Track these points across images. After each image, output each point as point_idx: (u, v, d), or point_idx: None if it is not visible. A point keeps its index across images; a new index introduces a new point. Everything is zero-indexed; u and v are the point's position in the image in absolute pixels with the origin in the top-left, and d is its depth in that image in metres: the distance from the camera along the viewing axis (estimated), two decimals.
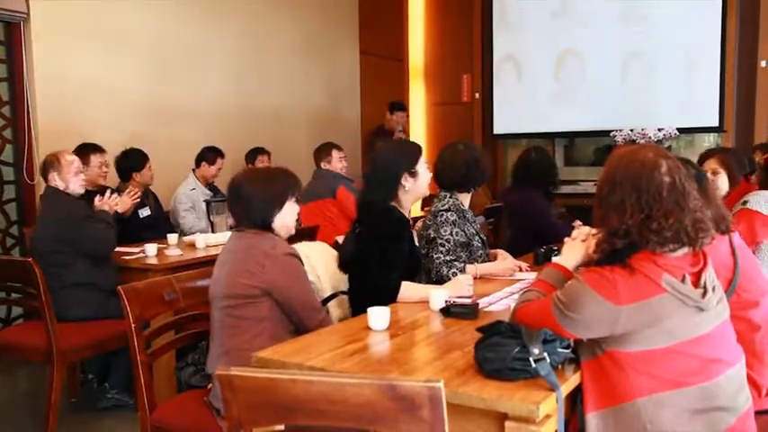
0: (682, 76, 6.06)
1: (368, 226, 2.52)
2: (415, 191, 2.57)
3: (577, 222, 4.05)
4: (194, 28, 5.39)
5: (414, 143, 2.76)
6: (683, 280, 1.55)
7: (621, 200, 1.59)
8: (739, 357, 1.65)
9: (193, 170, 4.87)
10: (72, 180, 3.40)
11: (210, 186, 4.89)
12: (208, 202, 4.45)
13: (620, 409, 1.56)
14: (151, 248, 3.58)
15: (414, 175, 2.54)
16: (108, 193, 3.71)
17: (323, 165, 4.94)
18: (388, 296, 2.35)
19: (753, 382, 1.82)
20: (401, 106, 6.61)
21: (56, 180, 3.38)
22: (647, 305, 1.52)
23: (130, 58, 4.93)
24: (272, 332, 2.08)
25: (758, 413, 1.81)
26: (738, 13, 5.89)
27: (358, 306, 2.17)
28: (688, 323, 1.55)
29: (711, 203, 1.94)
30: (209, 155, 4.87)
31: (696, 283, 1.57)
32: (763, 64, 5.74)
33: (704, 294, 1.56)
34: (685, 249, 1.59)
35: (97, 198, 3.58)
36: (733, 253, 1.94)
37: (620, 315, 1.52)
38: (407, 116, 6.75)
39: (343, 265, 2.59)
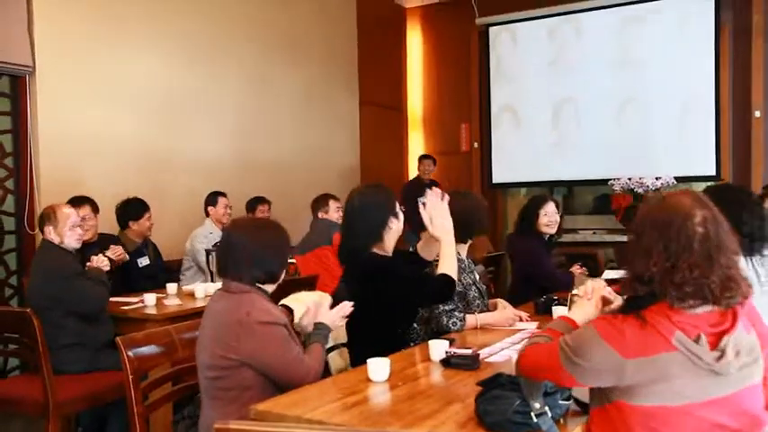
0: (678, 125, 6.15)
1: (363, 277, 2.53)
2: (397, 230, 2.59)
3: (576, 267, 4.05)
4: (196, 80, 5.49)
5: (383, 187, 2.73)
6: (697, 339, 1.46)
7: (649, 245, 1.52)
8: (758, 427, 1.54)
9: (208, 216, 5.01)
10: (67, 234, 3.33)
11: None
12: (208, 252, 4.46)
13: None
14: (150, 298, 3.57)
15: (396, 215, 2.58)
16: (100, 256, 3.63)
17: (320, 214, 5.00)
18: (446, 291, 2.46)
19: None
20: (425, 156, 7.10)
21: (51, 234, 3.31)
22: (654, 361, 1.46)
23: (132, 109, 5.00)
24: (260, 400, 1.96)
25: None
26: (731, 63, 6.02)
27: (358, 356, 2.14)
28: (698, 386, 1.47)
29: None
30: (210, 198, 5.03)
31: (714, 345, 1.47)
32: (757, 114, 5.83)
33: (719, 358, 1.46)
34: (708, 307, 1.50)
35: (94, 260, 3.52)
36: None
37: (626, 367, 1.47)
38: (433, 164, 7.04)
39: None
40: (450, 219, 2.50)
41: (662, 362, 1.46)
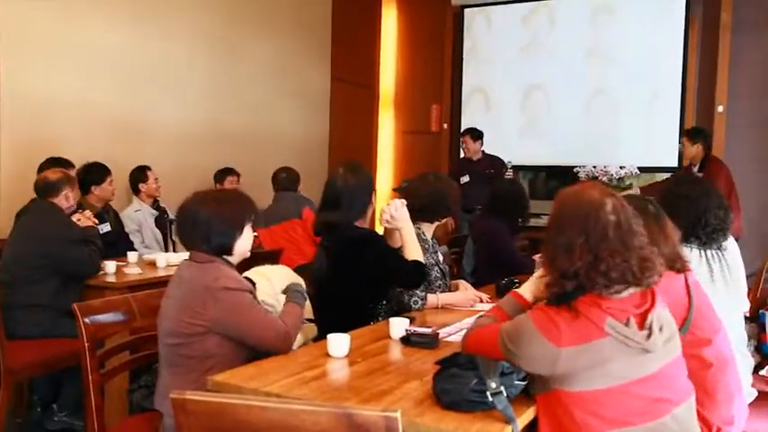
0: (644, 117, 6.25)
1: (346, 246, 2.63)
2: (373, 206, 2.80)
3: (539, 255, 4.10)
4: (164, 45, 5.37)
5: (364, 166, 2.91)
6: (627, 323, 1.54)
7: (570, 242, 1.58)
8: (688, 395, 1.66)
9: (138, 192, 4.82)
10: (75, 199, 3.55)
11: (157, 206, 4.84)
12: (170, 221, 4.41)
13: None
14: (110, 266, 3.52)
15: (375, 192, 2.81)
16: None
17: (300, 190, 5.05)
18: (419, 277, 2.63)
19: (703, 420, 1.84)
20: (464, 132, 6.25)
21: (69, 198, 3.44)
22: (588, 348, 1.53)
23: (99, 74, 4.88)
24: (221, 369, 1.96)
25: None
26: (698, 60, 6.11)
27: (327, 329, 2.18)
28: (631, 365, 1.55)
29: (668, 241, 1.98)
30: (138, 174, 4.82)
31: (642, 325, 1.56)
32: (719, 109, 5.94)
33: (649, 336, 1.55)
34: (631, 290, 1.59)
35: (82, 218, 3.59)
36: (688, 291, 1.97)
37: (559, 356, 1.53)
38: (470, 141, 6.10)
39: (316, 283, 2.64)
40: (406, 210, 2.66)
41: (596, 348, 1.53)
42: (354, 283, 2.59)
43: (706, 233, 2.36)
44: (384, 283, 2.68)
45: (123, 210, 4.71)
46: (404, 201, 2.70)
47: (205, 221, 2.12)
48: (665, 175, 6.18)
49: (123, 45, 5.04)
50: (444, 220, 3.14)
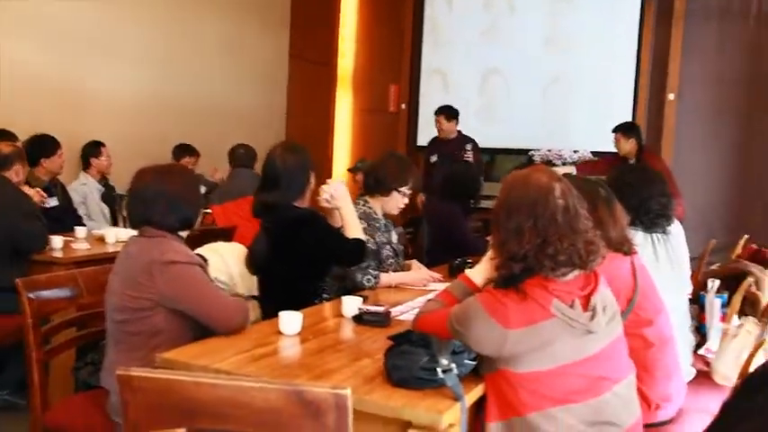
0: (599, 103, 6.36)
1: (287, 227, 2.58)
2: (311, 186, 2.74)
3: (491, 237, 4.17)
4: (110, 12, 5.18)
5: (302, 146, 2.83)
6: (572, 305, 1.58)
7: (518, 225, 1.61)
8: (627, 373, 1.71)
9: (89, 166, 4.75)
10: (24, 175, 3.48)
11: (105, 183, 4.76)
12: (121, 197, 4.32)
13: (514, 422, 1.61)
14: (57, 241, 3.42)
15: (313, 171, 2.73)
16: None
17: (256, 167, 4.97)
18: (359, 255, 2.61)
19: (643, 396, 1.91)
20: (439, 111, 5.91)
21: (19, 173, 3.38)
22: (535, 330, 1.56)
23: (43, 41, 4.71)
24: (168, 346, 1.91)
25: (648, 426, 1.91)
26: (651, 48, 6.23)
27: (270, 309, 2.17)
28: (575, 346, 1.60)
29: (617, 225, 2.03)
30: (91, 149, 4.75)
31: (586, 306, 1.61)
32: (670, 97, 6.08)
33: (593, 317, 1.59)
34: (576, 272, 1.63)
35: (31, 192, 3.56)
36: (634, 274, 2.03)
37: (507, 338, 1.56)
38: (444, 121, 5.81)
39: (255, 265, 2.61)
40: (346, 189, 2.66)
41: (542, 329, 1.57)
42: (294, 263, 2.56)
43: (649, 218, 2.44)
44: (324, 263, 2.66)
45: (69, 183, 4.58)
46: (342, 180, 2.68)
47: (171, 196, 2.08)
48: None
49: (66, 10, 4.84)
50: (393, 196, 3.03)
